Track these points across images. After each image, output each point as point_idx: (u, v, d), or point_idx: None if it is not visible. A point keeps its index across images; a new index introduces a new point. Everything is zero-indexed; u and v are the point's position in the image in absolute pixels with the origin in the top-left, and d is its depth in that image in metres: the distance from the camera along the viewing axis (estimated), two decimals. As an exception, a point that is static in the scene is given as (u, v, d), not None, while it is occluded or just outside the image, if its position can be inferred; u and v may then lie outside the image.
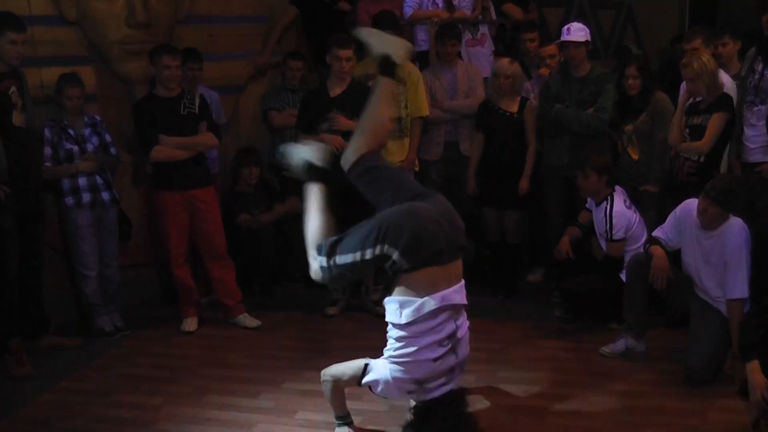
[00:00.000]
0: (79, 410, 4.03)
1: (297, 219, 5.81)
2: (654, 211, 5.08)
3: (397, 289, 3.22)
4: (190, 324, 5.14)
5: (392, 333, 3.27)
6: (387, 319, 3.28)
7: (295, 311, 5.45)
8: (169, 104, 4.91)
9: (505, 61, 5.47)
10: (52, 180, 4.83)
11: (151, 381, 4.38)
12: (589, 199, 5.05)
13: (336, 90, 5.06)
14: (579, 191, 5.06)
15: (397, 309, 3.19)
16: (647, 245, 4.46)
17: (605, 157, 4.97)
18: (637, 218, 4.88)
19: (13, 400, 4.17)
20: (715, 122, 4.69)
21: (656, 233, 4.50)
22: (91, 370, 4.55)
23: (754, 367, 3.59)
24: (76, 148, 4.86)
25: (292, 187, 5.61)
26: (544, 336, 4.87)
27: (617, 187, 4.94)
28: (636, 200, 5.05)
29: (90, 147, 4.91)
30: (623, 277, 4.66)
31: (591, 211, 5.05)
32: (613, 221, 4.79)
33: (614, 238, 4.82)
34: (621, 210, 4.81)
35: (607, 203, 4.84)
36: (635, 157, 5.21)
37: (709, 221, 4.16)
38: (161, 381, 4.38)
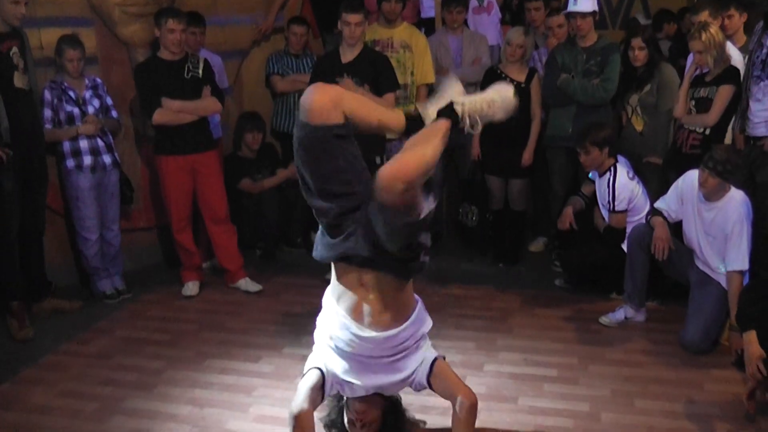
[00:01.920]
0: (80, 373, 4.06)
1: (298, 184, 5.89)
2: (657, 183, 5.08)
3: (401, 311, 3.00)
4: (192, 288, 5.15)
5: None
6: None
7: (296, 276, 5.45)
8: (173, 67, 4.86)
9: (519, 31, 5.44)
10: (53, 142, 4.81)
11: (152, 345, 4.40)
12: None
13: (348, 56, 5.02)
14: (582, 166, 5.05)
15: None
16: (650, 217, 4.47)
17: (605, 130, 4.92)
18: (640, 190, 4.88)
19: (14, 361, 4.19)
20: (721, 95, 4.68)
21: (658, 204, 4.50)
22: (92, 333, 4.57)
23: (751, 338, 3.60)
24: (76, 110, 4.83)
25: (294, 153, 5.60)
26: (544, 305, 4.89)
27: (620, 158, 4.92)
28: (639, 171, 5.04)
29: (91, 109, 4.88)
30: (625, 248, 4.67)
31: (594, 182, 5.04)
32: (616, 192, 4.78)
33: (617, 209, 4.81)
34: (624, 181, 4.80)
35: (611, 174, 4.83)
36: (639, 128, 5.20)
37: (709, 193, 4.16)
38: (162, 345, 4.40)
